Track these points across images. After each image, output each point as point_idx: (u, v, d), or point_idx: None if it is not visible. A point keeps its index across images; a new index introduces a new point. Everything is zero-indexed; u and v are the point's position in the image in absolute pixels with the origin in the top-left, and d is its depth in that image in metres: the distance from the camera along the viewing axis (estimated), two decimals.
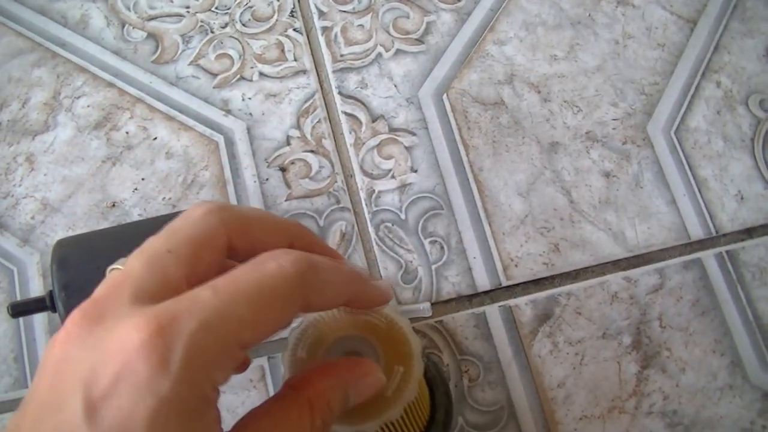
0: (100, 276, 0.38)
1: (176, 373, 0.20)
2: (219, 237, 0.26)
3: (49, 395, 0.22)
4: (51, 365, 0.22)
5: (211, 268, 0.25)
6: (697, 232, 0.48)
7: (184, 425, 0.21)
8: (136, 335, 0.21)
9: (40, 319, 0.46)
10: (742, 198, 0.49)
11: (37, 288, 0.47)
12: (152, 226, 0.41)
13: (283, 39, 0.54)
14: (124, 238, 0.41)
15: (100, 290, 0.24)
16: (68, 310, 0.37)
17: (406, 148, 0.51)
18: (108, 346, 0.21)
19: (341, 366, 0.27)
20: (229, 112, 0.52)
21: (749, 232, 0.49)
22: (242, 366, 0.30)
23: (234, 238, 0.26)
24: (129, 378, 0.20)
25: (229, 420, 0.23)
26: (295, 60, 0.53)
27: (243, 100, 0.52)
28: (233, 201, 0.49)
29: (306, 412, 0.25)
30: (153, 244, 0.25)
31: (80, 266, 0.39)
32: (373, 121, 0.51)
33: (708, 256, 0.48)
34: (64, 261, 0.39)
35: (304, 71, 0.53)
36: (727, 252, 0.48)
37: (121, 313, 0.22)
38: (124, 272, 0.24)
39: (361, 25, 0.54)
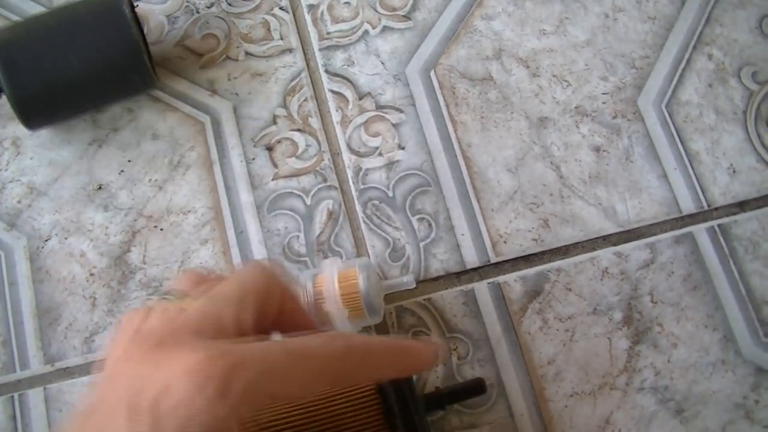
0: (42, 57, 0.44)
1: (233, 404, 0.23)
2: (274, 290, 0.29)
3: (98, 404, 0.24)
4: (105, 378, 0.25)
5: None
6: (688, 206, 0.48)
7: None
8: (202, 365, 0.23)
9: (28, 303, 0.46)
10: (734, 171, 0.49)
11: (25, 271, 0.47)
12: (82, 9, 0.45)
13: (269, 18, 0.54)
14: (58, 23, 0.46)
15: (154, 318, 0.26)
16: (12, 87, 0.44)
17: (394, 125, 0.50)
18: (172, 367, 0.23)
19: None
20: (215, 92, 0.51)
21: (741, 206, 0.48)
22: None
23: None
24: (187, 396, 0.23)
25: None
26: (281, 39, 0.53)
27: (229, 79, 0.52)
28: (219, 181, 0.49)
29: None
30: (217, 288, 0.28)
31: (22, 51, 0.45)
32: (360, 99, 0.51)
33: (700, 231, 0.47)
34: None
35: (291, 50, 0.53)
36: (719, 226, 0.47)
37: (185, 343, 0.24)
38: (183, 308, 0.26)
39: (348, 3, 0.54)
